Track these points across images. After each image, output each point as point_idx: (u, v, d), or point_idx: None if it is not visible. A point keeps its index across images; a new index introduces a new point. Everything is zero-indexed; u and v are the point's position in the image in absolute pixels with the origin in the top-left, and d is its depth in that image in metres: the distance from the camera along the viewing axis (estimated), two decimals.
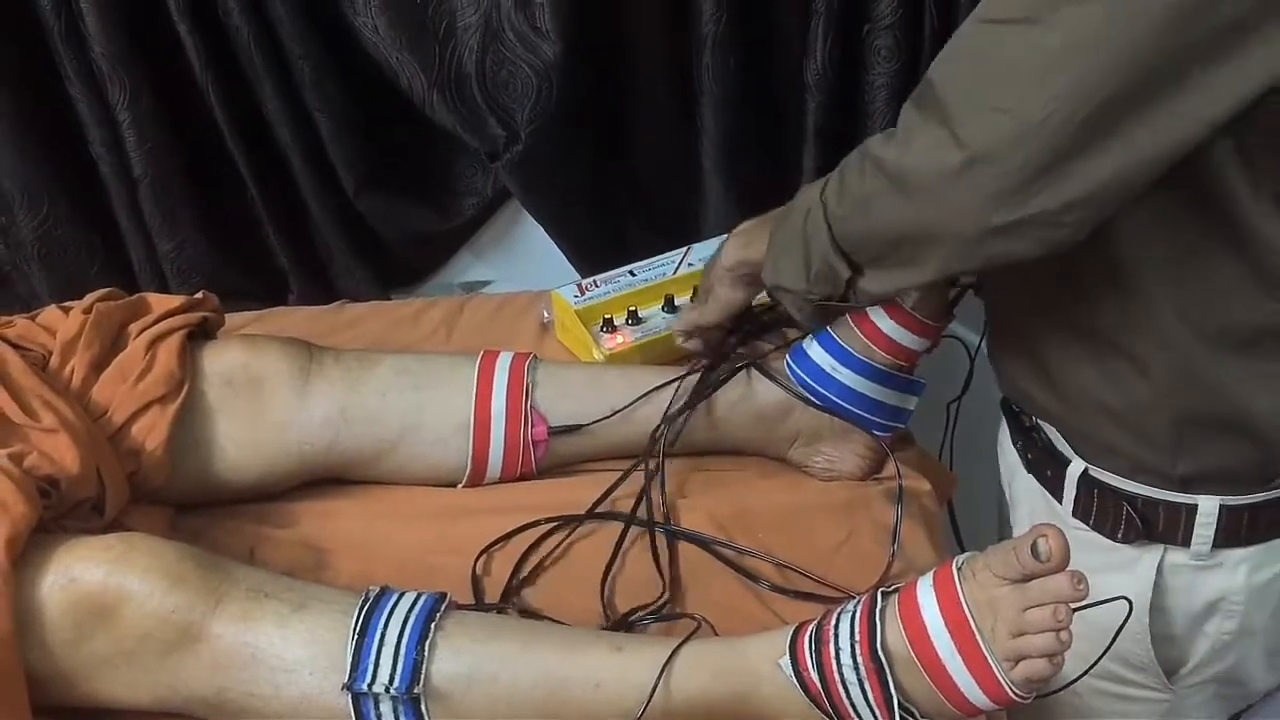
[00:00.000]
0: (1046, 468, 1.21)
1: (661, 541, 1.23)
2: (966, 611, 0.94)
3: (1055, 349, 1.13)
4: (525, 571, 1.21)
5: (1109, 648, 0.99)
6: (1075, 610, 0.91)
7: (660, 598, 1.17)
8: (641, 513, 1.26)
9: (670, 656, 1.01)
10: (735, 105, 1.53)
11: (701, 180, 1.61)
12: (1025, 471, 1.25)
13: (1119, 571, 1.15)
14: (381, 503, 1.30)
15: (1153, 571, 1.14)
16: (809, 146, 1.55)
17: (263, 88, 1.52)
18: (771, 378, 1.30)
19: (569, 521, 1.26)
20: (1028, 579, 0.92)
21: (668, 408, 1.30)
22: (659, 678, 1.00)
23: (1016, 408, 1.24)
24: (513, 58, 1.50)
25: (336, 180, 1.60)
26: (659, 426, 1.28)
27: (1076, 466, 1.17)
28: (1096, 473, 1.15)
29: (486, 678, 1.01)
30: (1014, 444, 1.27)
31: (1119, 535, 1.14)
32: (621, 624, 1.14)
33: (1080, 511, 1.17)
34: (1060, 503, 1.19)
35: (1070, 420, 1.16)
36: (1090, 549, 1.14)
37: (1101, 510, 1.15)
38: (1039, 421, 1.21)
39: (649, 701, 1.00)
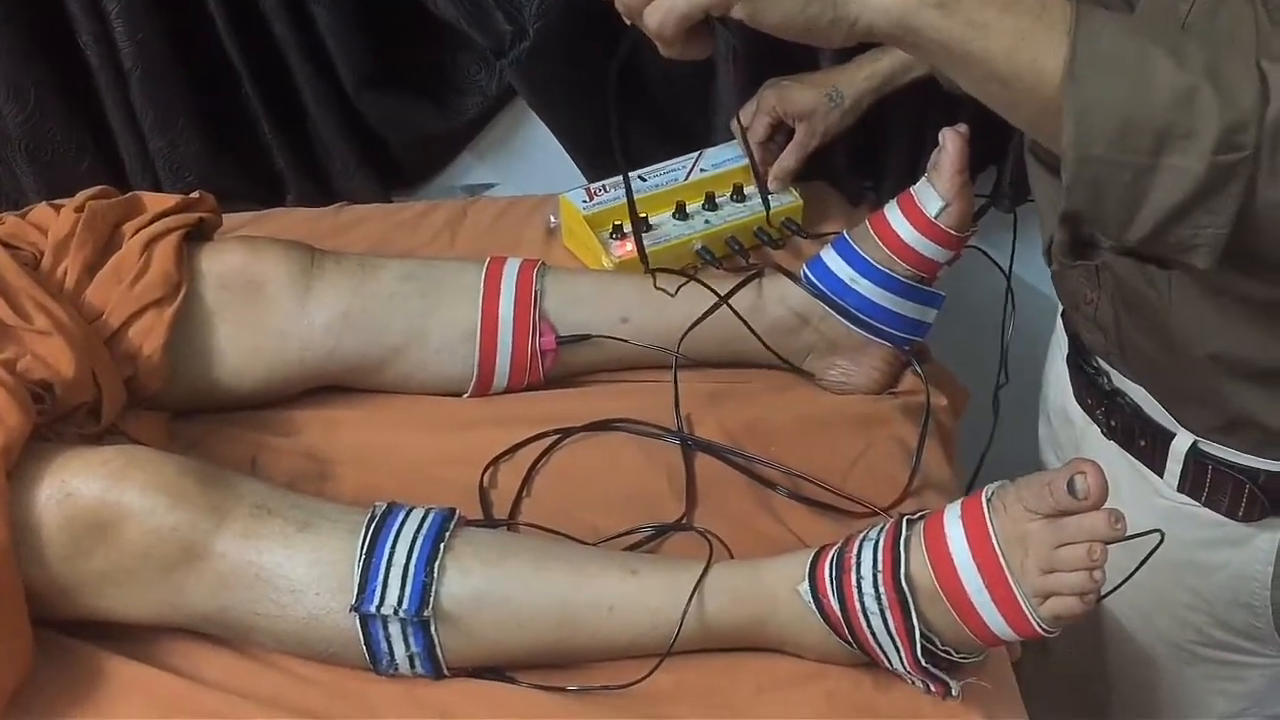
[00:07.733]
0: (1137, 438, 1.13)
1: (676, 454, 1.21)
2: (995, 546, 0.92)
3: (1217, 313, 0.99)
4: (533, 484, 1.19)
5: (1131, 574, 0.96)
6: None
7: (681, 518, 1.15)
8: (670, 422, 1.23)
9: (695, 588, 0.99)
10: None
11: (714, 85, 1.56)
12: (1105, 438, 1.17)
13: (1231, 546, 1.09)
14: (386, 412, 1.28)
15: (1275, 546, 1.08)
16: (826, 53, 1.50)
17: None
18: (793, 279, 1.26)
19: (578, 432, 1.23)
20: (1061, 514, 0.90)
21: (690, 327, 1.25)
22: (684, 612, 0.98)
23: (1093, 368, 1.17)
24: None
25: (335, 77, 1.55)
26: (682, 338, 1.25)
27: (1184, 440, 1.08)
28: (1210, 447, 1.07)
29: (497, 600, 1.00)
30: (1086, 407, 1.20)
31: (1239, 513, 1.07)
32: (633, 541, 1.12)
33: (1189, 487, 1.09)
34: (1160, 475, 1.11)
35: (1190, 389, 1.06)
36: (1197, 524, 1.09)
37: (1217, 487, 1.08)
38: (1119, 386, 1.14)
39: (677, 636, 0.99)
